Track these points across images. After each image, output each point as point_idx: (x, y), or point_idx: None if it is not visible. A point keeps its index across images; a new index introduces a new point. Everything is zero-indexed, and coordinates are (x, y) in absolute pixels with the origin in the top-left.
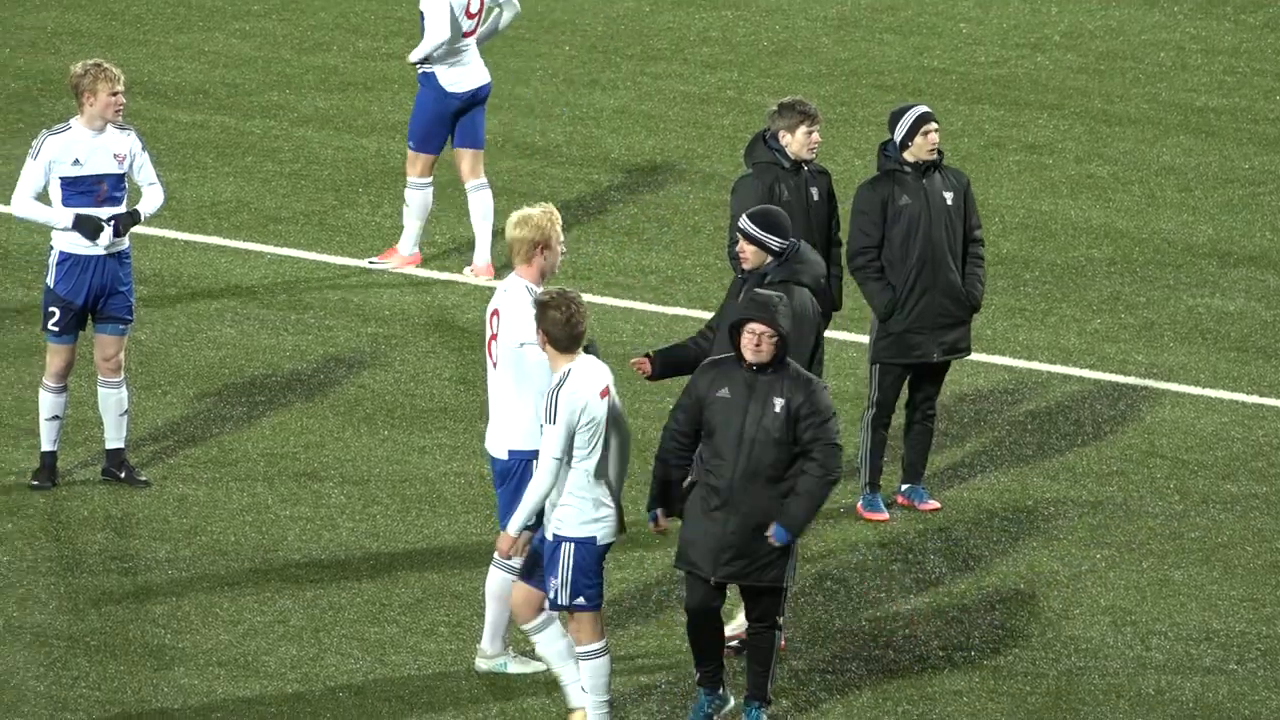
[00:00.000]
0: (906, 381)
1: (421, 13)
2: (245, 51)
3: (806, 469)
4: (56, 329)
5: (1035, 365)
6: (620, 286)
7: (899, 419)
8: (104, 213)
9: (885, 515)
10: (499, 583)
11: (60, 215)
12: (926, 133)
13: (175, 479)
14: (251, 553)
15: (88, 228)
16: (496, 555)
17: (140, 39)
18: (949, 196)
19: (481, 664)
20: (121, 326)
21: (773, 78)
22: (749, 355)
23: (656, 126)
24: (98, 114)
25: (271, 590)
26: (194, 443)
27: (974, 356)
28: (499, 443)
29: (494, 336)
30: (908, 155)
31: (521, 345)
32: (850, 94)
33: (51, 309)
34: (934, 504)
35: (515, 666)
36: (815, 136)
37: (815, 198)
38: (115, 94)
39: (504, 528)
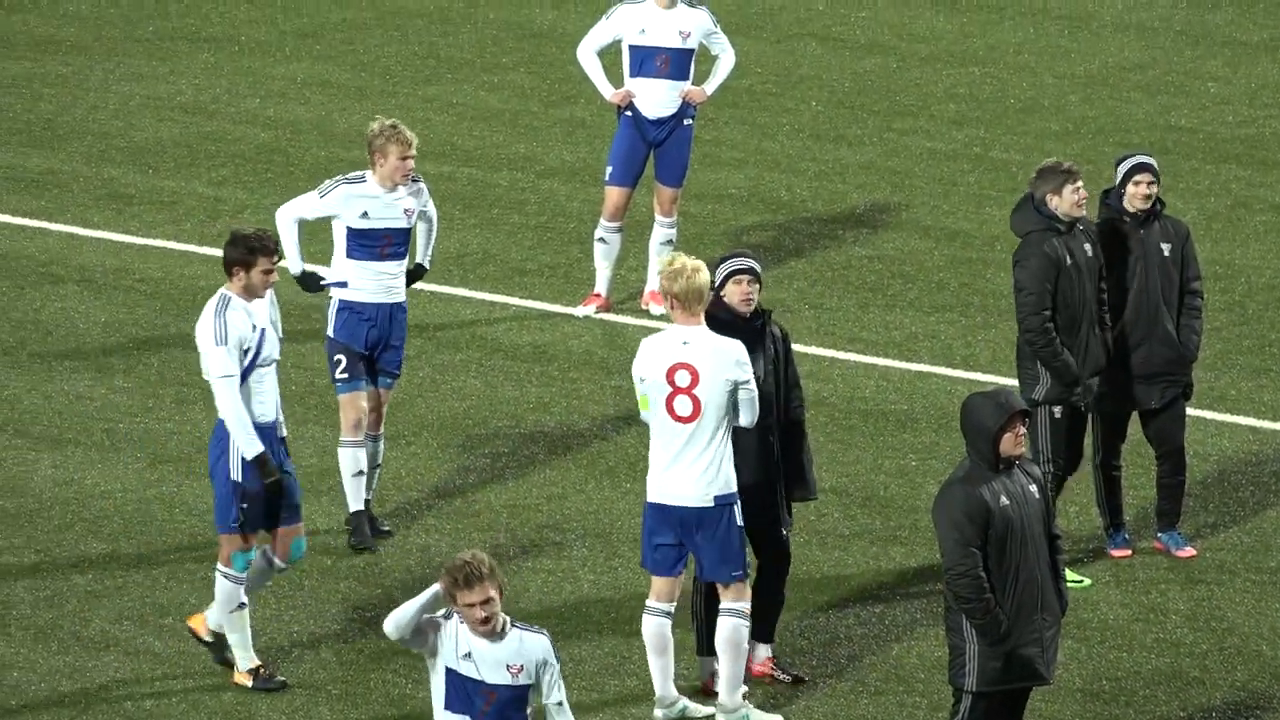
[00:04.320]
0: (1145, 430)
1: (707, 45)
2: (493, 104)
3: (1060, 548)
4: (345, 376)
5: None
6: (864, 343)
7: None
8: (386, 266)
9: (1127, 552)
10: (730, 630)
11: (293, 263)
12: (1138, 183)
13: (419, 529)
14: None
15: (308, 283)
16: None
17: (389, 90)
18: (1166, 248)
19: (721, 718)
20: (389, 380)
21: (1019, 135)
22: (1015, 450)
23: (901, 183)
24: (387, 175)
25: None
26: (438, 494)
27: (1217, 416)
28: (706, 490)
29: (689, 388)
30: (1126, 203)
31: (735, 385)
32: (1096, 152)
33: (337, 357)
34: (1190, 550)
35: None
36: (1082, 193)
37: (1089, 254)
38: (405, 158)
39: (719, 574)
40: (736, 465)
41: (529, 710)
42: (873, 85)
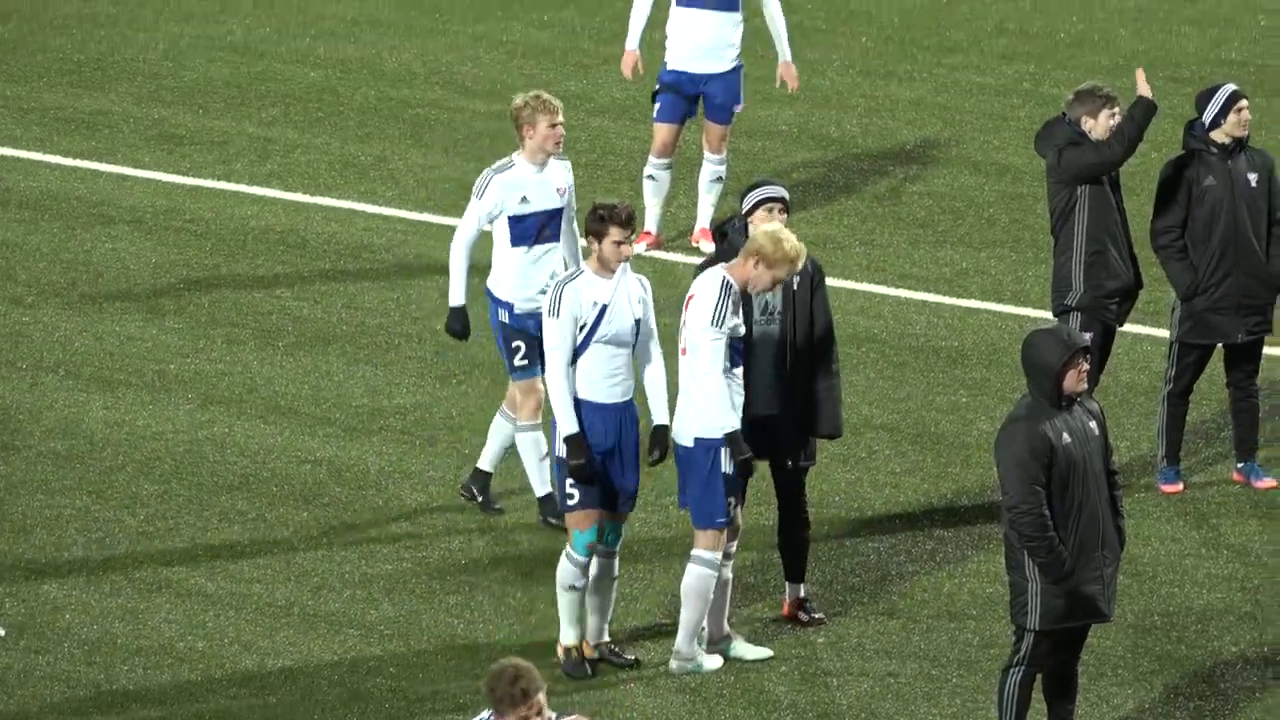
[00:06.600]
0: (1221, 361)
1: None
2: (543, 41)
3: (1118, 484)
4: (525, 363)
5: None
6: (915, 279)
7: (1210, 397)
8: (547, 248)
9: (1179, 487)
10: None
11: (457, 294)
12: (1240, 109)
13: (470, 469)
14: (546, 542)
15: (457, 323)
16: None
17: (439, 28)
18: (1253, 178)
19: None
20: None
21: (1069, 69)
22: (1079, 386)
23: (952, 118)
24: (538, 147)
25: None
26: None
27: (1270, 350)
28: (686, 429)
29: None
30: (1217, 135)
31: (701, 331)
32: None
33: (516, 344)
34: (1270, 481)
35: (709, 663)
36: (1117, 119)
37: (1116, 176)
38: (555, 126)
39: (696, 519)
40: (750, 397)
41: None
42: (922, 20)
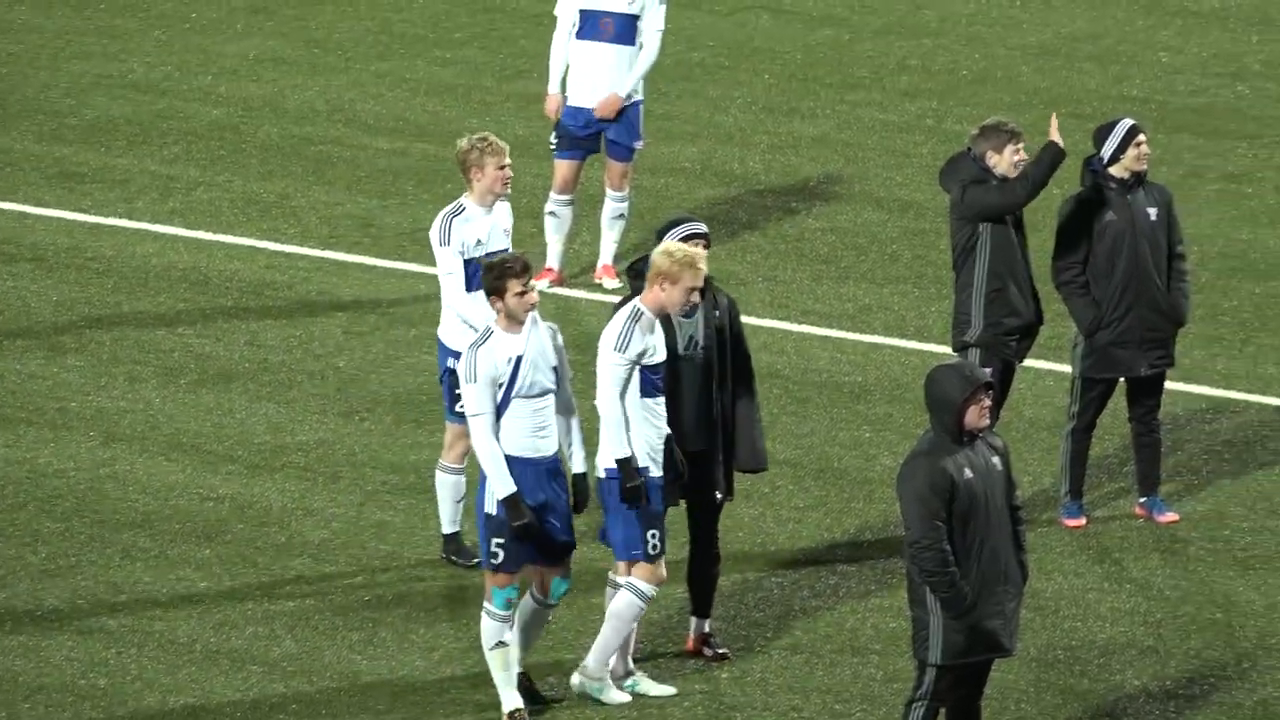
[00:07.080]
0: (1124, 396)
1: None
2: (445, 79)
3: (1022, 519)
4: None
5: (1233, 394)
6: (817, 315)
7: (1113, 432)
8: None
9: (1082, 521)
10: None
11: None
12: (1139, 144)
13: (373, 505)
14: (449, 579)
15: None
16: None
17: (341, 66)
18: (1153, 212)
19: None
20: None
21: (972, 106)
22: (981, 422)
23: (855, 155)
24: (486, 189)
25: (468, 617)
26: (393, 469)
27: (1171, 385)
28: (601, 461)
29: None
30: (1116, 170)
31: (604, 356)
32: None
33: (459, 391)
34: (1172, 515)
35: (612, 695)
36: (1022, 154)
37: (1020, 215)
38: (503, 167)
39: (617, 552)
40: (679, 432)
41: None
42: (825, 58)
